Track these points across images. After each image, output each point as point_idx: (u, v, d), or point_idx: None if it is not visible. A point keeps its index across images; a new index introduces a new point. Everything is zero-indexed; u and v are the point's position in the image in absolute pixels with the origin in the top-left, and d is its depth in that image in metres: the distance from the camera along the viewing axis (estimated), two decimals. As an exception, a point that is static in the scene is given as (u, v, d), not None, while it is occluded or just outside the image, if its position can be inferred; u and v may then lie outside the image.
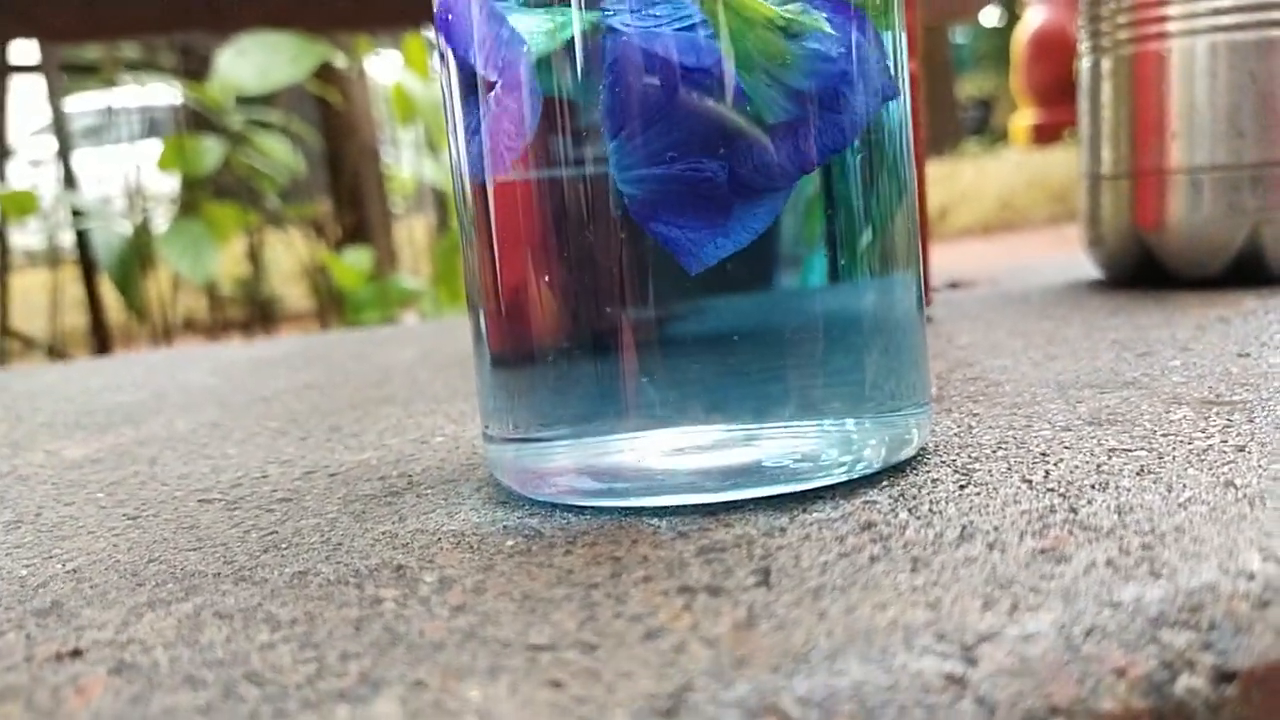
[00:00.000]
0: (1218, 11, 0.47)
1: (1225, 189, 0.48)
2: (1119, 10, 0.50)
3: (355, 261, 1.19)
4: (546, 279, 0.23)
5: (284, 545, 0.23)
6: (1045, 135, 4.29)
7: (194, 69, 1.26)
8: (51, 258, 1.39)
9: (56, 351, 1.32)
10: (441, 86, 0.25)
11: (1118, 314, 0.45)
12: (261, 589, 0.20)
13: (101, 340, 1.26)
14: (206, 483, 0.29)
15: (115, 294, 1.21)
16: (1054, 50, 4.05)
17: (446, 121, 0.25)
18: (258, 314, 1.34)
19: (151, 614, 0.19)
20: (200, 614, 0.19)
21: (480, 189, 0.24)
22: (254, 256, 1.31)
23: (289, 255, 1.39)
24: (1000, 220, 3.32)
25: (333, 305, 1.30)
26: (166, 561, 0.22)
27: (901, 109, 0.24)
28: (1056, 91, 4.03)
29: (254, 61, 1.01)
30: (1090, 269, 0.59)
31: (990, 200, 3.43)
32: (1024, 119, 4.69)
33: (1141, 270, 0.52)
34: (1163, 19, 0.48)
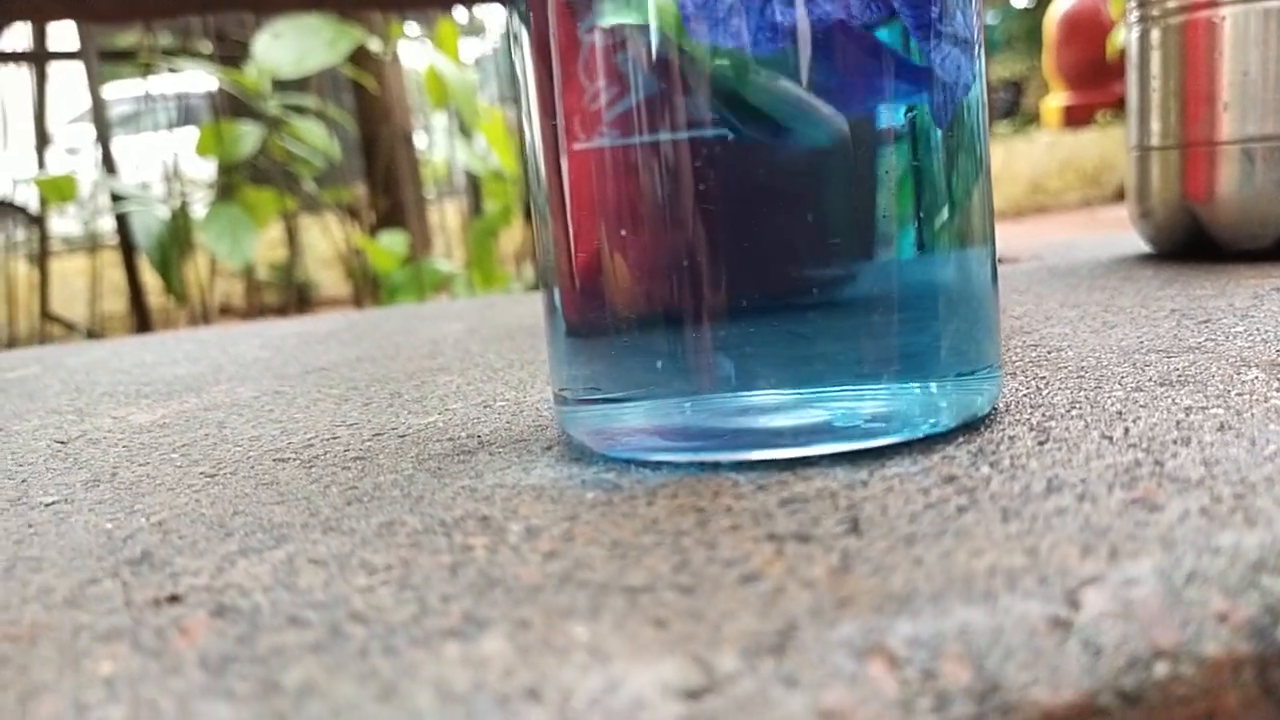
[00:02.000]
0: (1274, -20, 0.46)
1: (1277, 160, 0.47)
2: (1171, -20, 0.49)
3: (391, 245, 1.20)
4: (620, 249, 0.23)
5: (366, 499, 0.23)
6: (1077, 117, 4.25)
7: (229, 55, 1.27)
8: (91, 242, 1.40)
9: (96, 335, 1.33)
10: (515, 64, 0.25)
11: (1171, 284, 0.44)
12: (351, 538, 0.20)
13: (141, 324, 1.27)
14: (279, 444, 0.30)
15: (154, 278, 1.22)
16: (1085, 32, 4.00)
17: (520, 99, 0.25)
18: (294, 298, 1.35)
19: (245, 561, 0.20)
20: (294, 560, 0.19)
21: (555, 162, 0.24)
22: (290, 241, 1.32)
23: (325, 240, 1.40)
24: (1032, 203, 3.29)
25: (368, 289, 1.31)
26: (252, 514, 0.23)
27: (980, 90, 0.24)
28: (1088, 73, 3.99)
29: (290, 46, 1.02)
30: (1136, 243, 0.58)
31: (1022, 183, 3.40)
32: (1055, 101, 4.65)
33: (1191, 242, 0.51)
34: (1217, -12, 0.48)
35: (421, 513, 0.22)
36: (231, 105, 1.26)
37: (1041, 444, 0.22)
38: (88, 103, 1.45)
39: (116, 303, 1.52)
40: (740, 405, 0.23)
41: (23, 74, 1.50)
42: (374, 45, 1.20)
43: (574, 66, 0.23)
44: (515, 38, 0.25)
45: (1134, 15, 0.52)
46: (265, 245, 1.42)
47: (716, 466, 0.23)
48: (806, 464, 0.22)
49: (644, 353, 0.23)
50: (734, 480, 0.22)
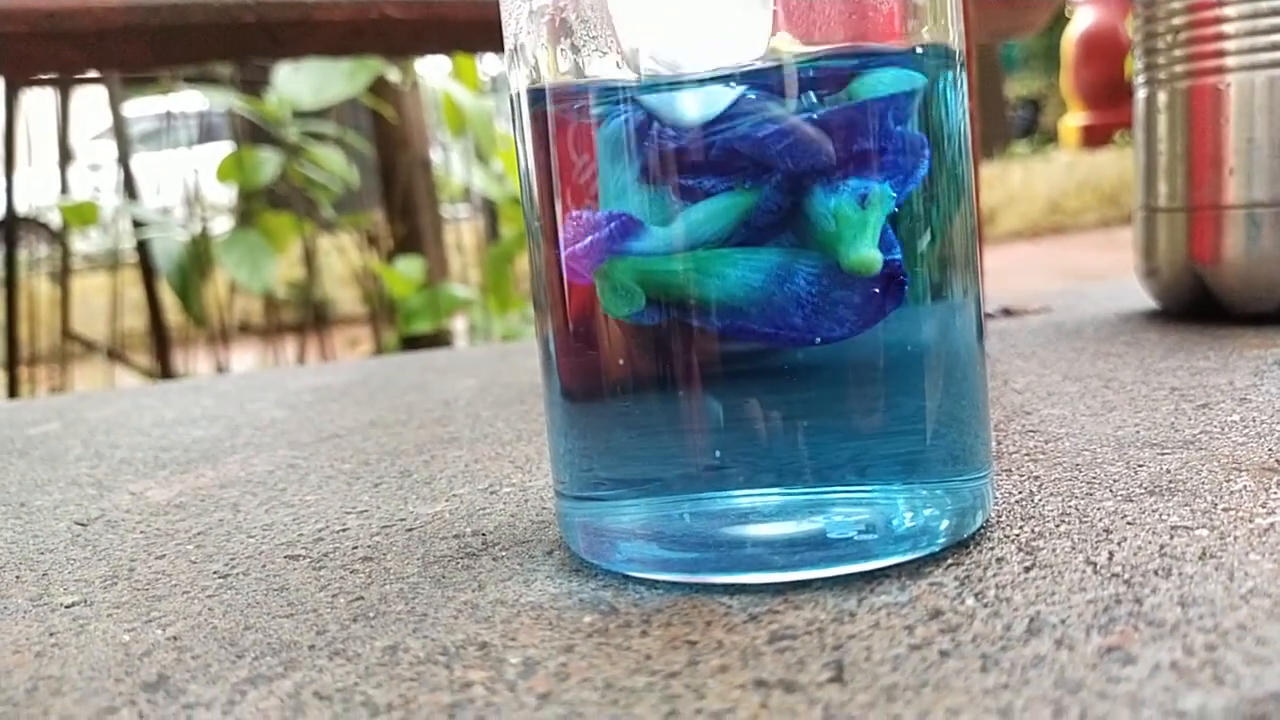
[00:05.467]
0: (1276, 46, 0.47)
1: (1285, 226, 0.47)
2: (1175, 44, 0.49)
3: (407, 270, 1.21)
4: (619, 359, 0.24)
5: (371, 614, 0.24)
6: (1095, 137, 4.23)
7: (250, 80, 1.28)
8: (112, 260, 1.42)
9: (116, 354, 1.35)
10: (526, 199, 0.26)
11: (1174, 353, 0.45)
12: (356, 666, 0.21)
13: (160, 344, 1.29)
14: (290, 535, 0.30)
15: (174, 299, 1.24)
16: (1104, 52, 3.99)
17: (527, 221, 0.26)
18: (311, 317, 1.37)
19: (254, 692, 0.21)
20: (300, 693, 0.20)
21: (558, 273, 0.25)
22: (309, 261, 1.33)
23: (342, 260, 1.41)
24: (1050, 223, 3.28)
25: (384, 312, 1.33)
26: (262, 629, 0.24)
27: (966, 206, 0.25)
28: (1107, 93, 3.98)
29: (310, 77, 1.03)
30: (1143, 295, 0.59)
31: (1040, 203, 3.39)
32: (1074, 120, 4.63)
33: (1197, 303, 0.52)
34: (1220, 53, 0.48)
35: (424, 635, 0.22)
36: (251, 130, 1.27)
37: (1027, 570, 0.23)
38: (109, 122, 1.47)
39: (137, 319, 1.54)
40: (736, 510, 0.24)
41: (46, 93, 1.52)
42: (392, 75, 1.22)
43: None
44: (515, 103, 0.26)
45: (1141, 77, 0.52)
46: (284, 264, 1.44)
47: (710, 588, 0.23)
48: (799, 586, 0.23)
49: (636, 451, 0.24)
50: (726, 606, 0.22)
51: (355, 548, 0.29)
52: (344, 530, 0.31)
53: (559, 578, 0.25)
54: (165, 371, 1.31)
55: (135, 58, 0.68)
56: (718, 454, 0.23)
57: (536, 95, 0.25)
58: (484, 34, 0.69)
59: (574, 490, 0.26)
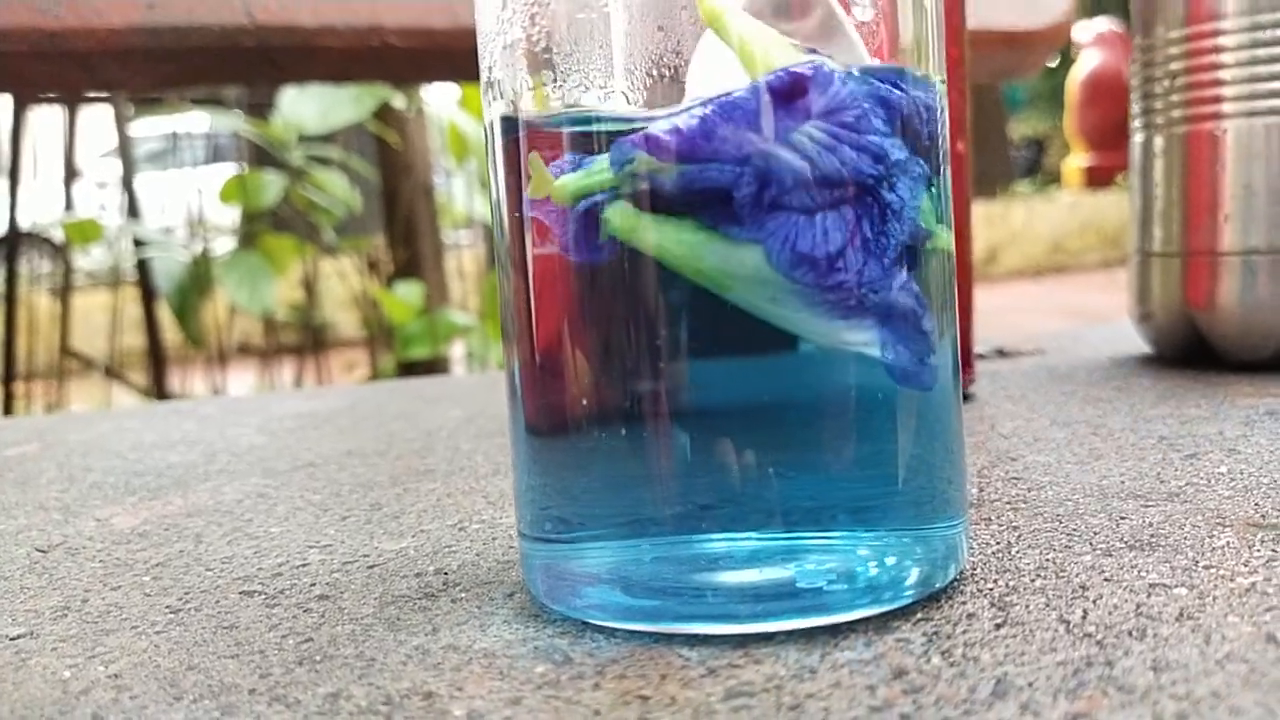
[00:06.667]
0: (1274, 94, 0.46)
1: (1279, 273, 0.47)
2: (1172, 89, 0.49)
3: (406, 296, 1.21)
4: (581, 353, 0.23)
5: (319, 657, 0.23)
6: (1098, 178, 4.25)
7: (256, 103, 1.29)
8: (113, 278, 1.42)
9: (113, 372, 1.35)
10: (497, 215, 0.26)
11: (1166, 400, 0.44)
12: (295, 713, 0.20)
13: (158, 363, 1.29)
14: (249, 569, 0.30)
15: (173, 318, 1.24)
16: (1108, 94, 4.01)
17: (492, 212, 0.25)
18: (311, 340, 1.37)
19: (187, 738, 0.20)
20: (234, 741, 0.19)
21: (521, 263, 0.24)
22: (309, 284, 1.33)
23: (342, 284, 1.41)
24: (1051, 263, 3.28)
25: (383, 337, 1.32)
26: (205, 670, 0.23)
27: (943, 257, 0.24)
28: (1110, 135, 3.99)
29: (316, 102, 1.03)
30: (1138, 339, 0.58)
31: (1042, 242, 3.39)
32: (1077, 161, 4.65)
33: (1191, 348, 0.51)
34: (1217, 99, 0.48)
35: (369, 682, 0.22)
36: (256, 152, 1.27)
37: (998, 627, 0.22)
38: (115, 141, 1.48)
39: (136, 337, 1.54)
40: (707, 555, 0.23)
41: (54, 110, 1.53)
42: (398, 102, 1.22)
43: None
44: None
45: (1138, 122, 0.52)
46: (285, 286, 1.44)
47: (671, 638, 0.23)
48: (762, 638, 0.22)
49: (602, 489, 0.23)
50: (684, 659, 0.22)
51: (313, 584, 0.28)
52: (304, 565, 0.30)
53: (516, 623, 0.24)
54: (161, 391, 1.30)
55: (136, 80, 0.68)
56: (689, 496, 0.22)
57: (509, 124, 0.24)
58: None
59: (536, 530, 0.25)
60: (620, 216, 0.22)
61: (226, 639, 0.25)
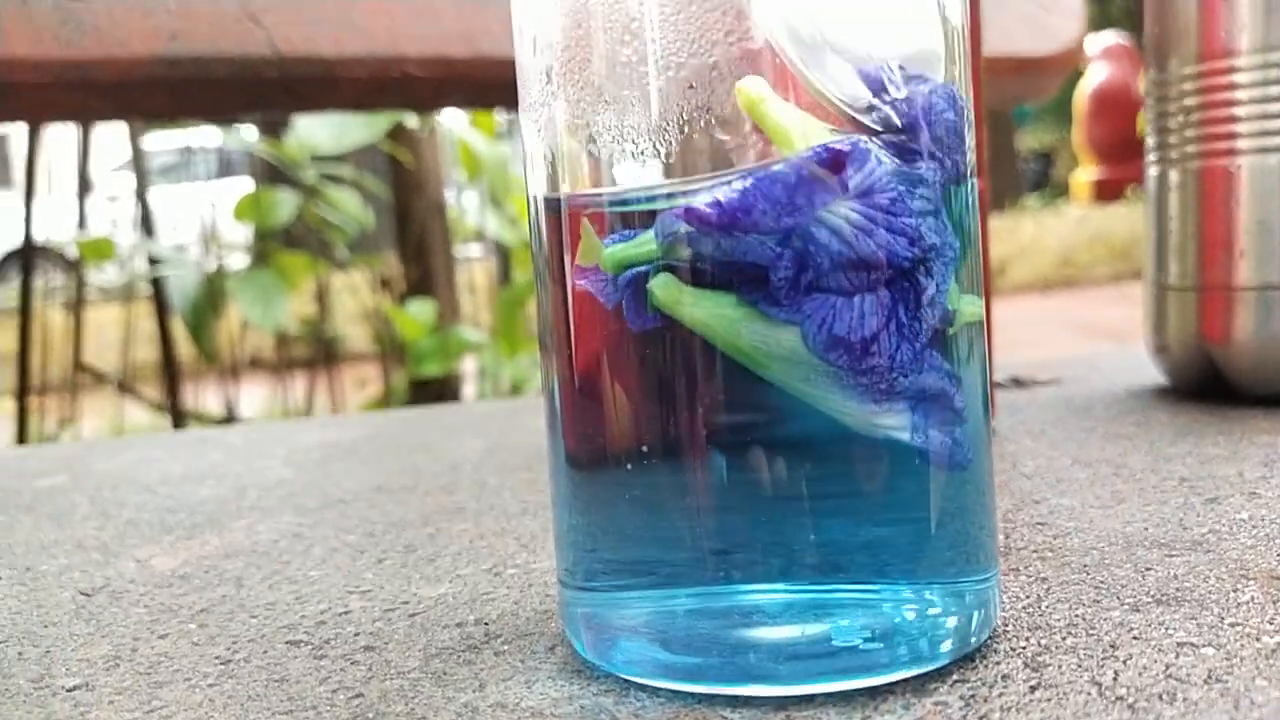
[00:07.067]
0: (1291, 132, 0.47)
1: (1297, 309, 0.47)
2: (1187, 124, 0.50)
3: (418, 313, 1.22)
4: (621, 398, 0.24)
5: (371, 714, 0.24)
6: (1107, 192, 4.26)
7: (270, 120, 1.30)
8: (126, 294, 1.44)
9: (125, 387, 1.36)
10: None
11: (1184, 437, 0.44)
12: (354, 776, 0.21)
13: (171, 379, 1.30)
14: (292, 616, 0.30)
15: (186, 333, 1.25)
16: (1116, 107, 4.03)
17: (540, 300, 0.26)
18: (322, 354, 1.38)
19: (252, 801, 0.20)
20: (298, 806, 0.20)
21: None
22: (321, 300, 1.34)
23: (354, 299, 1.42)
24: (1061, 276, 3.29)
25: (395, 353, 1.33)
26: (261, 728, 0.23)
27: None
28: (1118, 148, 4.01)
29: (330, 123, 1.04)
30: (1153, 369, 0.59)
31: (1051, 256, 3.40)
32: (1086, 175, 4.66)
33: (1207, 382, 0.51)
34: (1232, 135, 0.48)
35: (424, 742, 0.22)
36: (269, 169, 1.29)
37: (1033, 689, 0.23)
38: (128, 156, 1.49)
39: (148, 351, 1.55)
40: (740, 608, 0.24)
41: (68, 126, 1.54)
42: (410, 121, 1.23)
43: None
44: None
45: (1153, 155, 0.53)
46: (296, 301, 1.45)
47: (714, 699, 0.23)
48: (803, 699, 0.23)
49: (640, 542, 0.24)
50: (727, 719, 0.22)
51: (357, 634, 0.29)
52: (346, 613, 0.30)
53: (560, 679, 0.25)
54: (174, 406, 1.31)
55: (157, 108, 0.68)
56: (725, 538, 0.23)
57: (551, 204, 0.25)
58: (503, 91, 0.70)
59: (577, 578, 0.26)
60: (663, 289, 0.23)
61: (278, 693, 0.25)
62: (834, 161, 0.23)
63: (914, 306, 0.22)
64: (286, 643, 0.29)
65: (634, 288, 0.23)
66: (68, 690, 0.26)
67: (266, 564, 0.36)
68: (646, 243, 0.23)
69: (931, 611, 0.24)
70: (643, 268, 0.23)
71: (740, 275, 0.22)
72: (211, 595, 0.33)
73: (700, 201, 0.23)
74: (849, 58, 0.23)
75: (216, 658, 0.28)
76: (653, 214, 0.23)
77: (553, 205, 0.25)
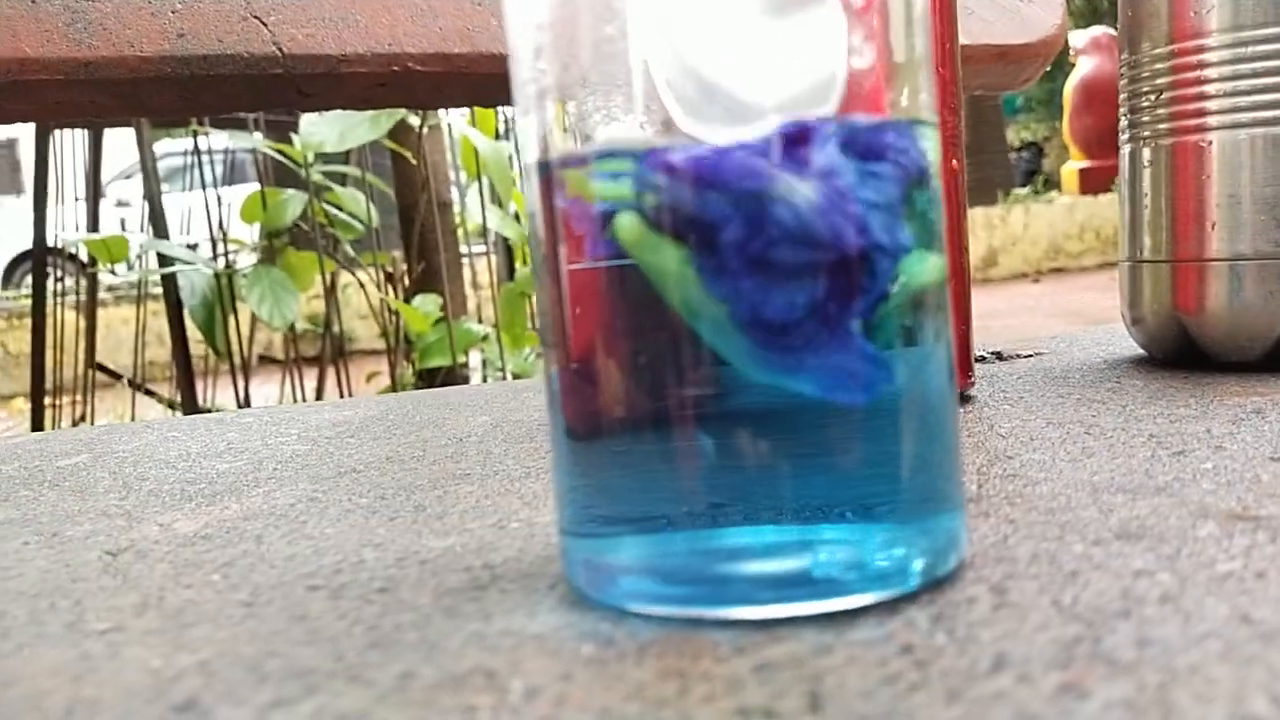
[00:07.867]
0: (1258, 106, 0.49)
1: (1266, 277, 0.49)
2: (1158, 102, 0.52)
3: (424, 307, 1.24)
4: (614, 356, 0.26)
5: (386, 643, 0.26)
6: (1095, 182, 4.29)
7: (276, 120, 1.32)
8: (138, 292, 1.46)
9: (138, 386, 1.38)
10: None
11: (1156, 400, 0.46)
12: (371, 690, 0.23)
13: (185, 375, 1.32)
14: (311, 566, 0.32)
15: (198, 332, 1.28)
16: (1103, 99, 4.06)
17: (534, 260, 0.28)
18: (331, 350, 1.40)
19: (278, 713, 0.22)
20: (320, 715, 0.22)
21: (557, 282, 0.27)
22: (329, 296, 1.37)
23: (361, 295, 1.45)
24: (1051, 265, 3.31)
25: (402, 347, 1.36)
26: (284, 656, 0.25)
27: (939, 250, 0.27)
28: (1106, 139, 4.04)
29: (335, 122, 1.07)
30: (1132, 342, 0.60)
31: (1041, 245, 3.43)
32: (1074, 165, 4.69)
33: (1182, 350, 0.53)
34: (1202, 112, 0.50)
35: (435, 663, 0.24)
36: (276, 169, 1.31)
37: (996, 609, 0.25)
38: (137, 159, 1.51)
39: (160, 350, 1.58)
40: (729, 547, 0.26)
41: (78, 131, 1.56)
42: (413, 120, 1.25)
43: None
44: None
45: (1126, 133, 0.54)
46: (305, 297, 1.47)
47: (702, 621, 0.25)
48: (783, 622, 0.25)
49: (634, 488, 0.26)
50: (715, 640, 0.24)
51: (372, 579, 0.31)
52: (361, 562, 0.32)
53: (561, 610, 0.27)
54: (188, 402, 1.33)
55: (167, 105, 0.71)
56: (712, 493, 0.25)
57: (544, 167, 0.27)
58: (501, 88, 0.72)
59: (576, 527, 0.28)
60: (628, 228, 0.25)
61: (300, 628, 0.27)
62: (800, 135, 0.25)
63: (844, 297, 0.24)
64: (306, 588, 0.30)
65: (604, 219, 0.25)
66: (100, 633, 0.28)
67: (285, 524, 0.38)
68: (625, 185, 0.25)
69: (901, 546, 0.26)
70: (618, 205, 0.25)
71: (697, 234, 0.24)
72: (233, 551, 0.35)
73: (676, 157, 0.25)
74: (733, 105, 0.25)
75: (240, 602, 0.30)
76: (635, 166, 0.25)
77: (544, 169, 0.26)
